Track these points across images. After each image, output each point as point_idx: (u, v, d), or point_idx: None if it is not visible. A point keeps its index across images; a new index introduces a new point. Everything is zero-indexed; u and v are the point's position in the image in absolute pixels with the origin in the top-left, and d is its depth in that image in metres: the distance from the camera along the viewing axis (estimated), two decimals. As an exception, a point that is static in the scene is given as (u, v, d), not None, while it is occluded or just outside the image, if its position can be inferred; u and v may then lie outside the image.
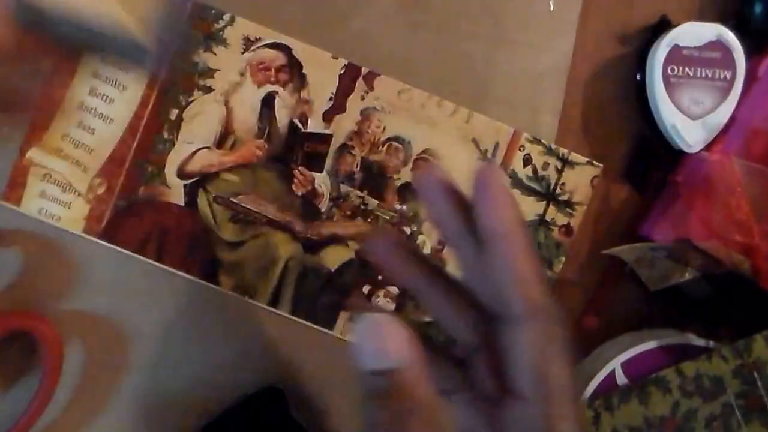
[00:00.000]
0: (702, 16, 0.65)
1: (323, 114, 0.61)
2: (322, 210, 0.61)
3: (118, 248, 0.59)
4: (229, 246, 0.60)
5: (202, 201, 0.60)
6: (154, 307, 0.62)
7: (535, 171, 0.62)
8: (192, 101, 0.60)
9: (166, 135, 0.60)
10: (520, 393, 0.40)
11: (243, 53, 0.60)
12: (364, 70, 0.61)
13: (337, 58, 0.61)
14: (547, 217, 0.62)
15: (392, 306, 0.61)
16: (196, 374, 0.63)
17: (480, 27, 0.63)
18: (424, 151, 0.61)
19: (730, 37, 0.63)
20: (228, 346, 0.63)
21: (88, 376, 0.63)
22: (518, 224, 0.41)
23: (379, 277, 0.61)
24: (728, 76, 0.63)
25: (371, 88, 0.61)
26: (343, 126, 0.61)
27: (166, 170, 0.60)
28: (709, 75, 0.63)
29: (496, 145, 0.62)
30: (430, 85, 0.62)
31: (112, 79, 0.60)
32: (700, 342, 0.62)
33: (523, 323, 0.40)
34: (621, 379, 0.60)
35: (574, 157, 0.62)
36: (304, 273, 0.61)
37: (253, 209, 0.59)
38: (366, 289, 0.61)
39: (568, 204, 0.62)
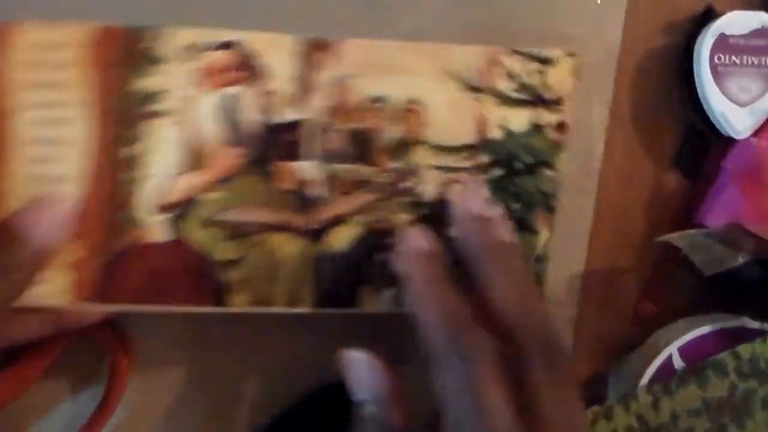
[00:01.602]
0: (747, 5, 0.66)
1: (291, 99, 0.57)
2: (315, 196, 0.57)
3: (115, 307, 0.56)
4: (230, 265, 0.57)
5: (188, 230, 0.56)
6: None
7: (519, 83, 0.59)
8: (147, 131, 0.56)
9: (131, 175, 0.56)
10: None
11: (187, 64, 0.56)
12: (321, 41, 0.57)
13: (289, 37, 0.57)
14: (540, 122, 0.59)
15: None
16: (259, 374, 0.65)
17: (530, 23, 0.64)
18: (406, 102, 0.58)
19: None
20: (286, 347, 0.65)
21: (155, 377, 0.64)
22: (494, 243, 0.51)
23: (391, 241, 0.58)
24: None
25: (335, 57, 0.57)
26: (317, 105, 0.57)
27: (141, 211, 0.56)
28: (756, 62, 0.65)
29: (475, 70, 0.58)
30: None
31: (51, 137, 0.56)
32: (754, 325, 0.63)
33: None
34: (678, 363, 0.62)
35: (553, 53, 0.59)
36: (315, 264, 0.58)
37: (245, 220, 0.55)
38: (380, 256, 0.59)
39: (556, 101, 0.59)
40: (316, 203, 0.57)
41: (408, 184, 0.58)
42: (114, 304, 0.56)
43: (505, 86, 0.58)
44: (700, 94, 0.64)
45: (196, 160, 0.56)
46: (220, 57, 0.56)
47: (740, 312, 0.65)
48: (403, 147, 0.57)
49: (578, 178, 0.66)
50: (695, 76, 0.64)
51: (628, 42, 0.65)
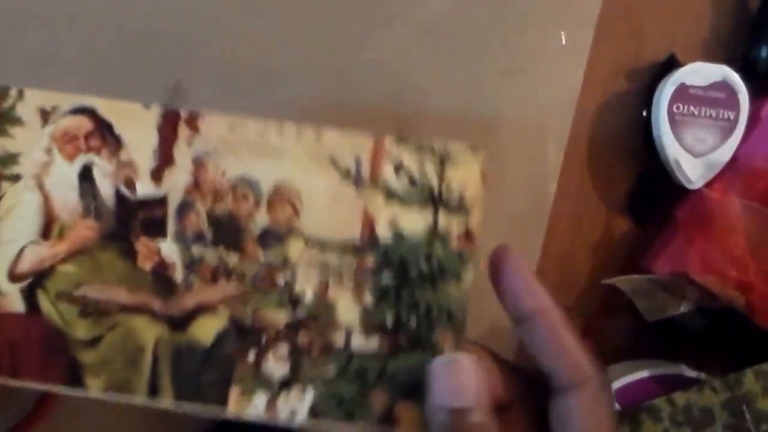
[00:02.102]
0: (709, 57, 0.69)
1: (151, 173, 0.52)
2: (178, 281, 0.53)
3: (-32, 378, 0.52)
4: (86, 345, 0.53)
5: (44, 302, 0.53)
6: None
7: (411, 178, 0.52)
8: (2, 195, 0.52)
9: (-16, 239, 0.51)
10: None
11: (43, 127, 0.51)
12: (183, 114, 0.52)
13: (149, 108, 0.51)
14: (440, 228, 0.52)
15: (287, 367, 0.53)
16: None
17: (491, 63, 0.65)
18: (276, 187, 0.53)
19: (736, 78, 0.67)
20: None
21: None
22: (548, 297, 0.46)
23: (263, 339, 0.53)
24: (732, 116, 0.67)
25: (196, 131, 0.52)
26: (177, 181, 0.52)
27: (-3, 278, 0.51)
28: (713, 114, 0.67)
29: (358, 159, 0.52)
30: (443, 111, 0.62)
31: None
32: (692, 373, 0.66)
33: (574, 392, 0.44)
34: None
35: (453, 148, 0.52)
36: (177, 355, 0.53)
37: (102, 298, 0.51)
38: (252, 355, 0.53)
39: (460, 207, 0.52)
40: (178, 288, 0.53)
41: (281, 279, 0.53)
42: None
43: (394, 181, 0.52)
44: (656, 141, 0.67)
45: (49, 229, 0.53)
46: (75, 123, 0.52)
47: (679, 360, 0.67)
48: (273, 238, 0.53)
49: (528, 216, 0.65)
50: (653, 122, 0.67)
51: (589, 84, 0.67)
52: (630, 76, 0.70)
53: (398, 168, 0.52)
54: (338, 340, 0.53)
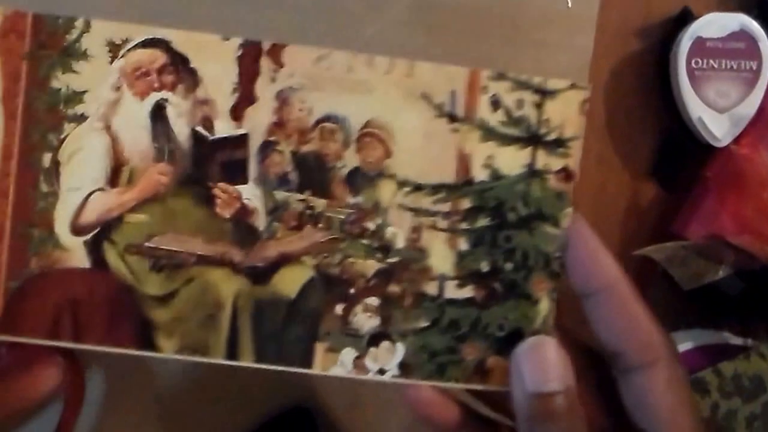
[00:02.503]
0: (723, 6, 0.65)
1: (230, 111, 0.48)
2: (260, 228, 0.49)
3: (26, 339, 0.48)
4: (158, 301, 0.49)
5: (111, 256, 0.48)
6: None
7: (508, 114, 0.48)
8: (65, 138, 0.48)
9: (44, 188, 0.48)
10: None
11: (112, 62, 0.47)
12: (265, 45, 0.48)
13: (228, 39, 0.47)
14: (538, 165, 0.49)
15: (376, 320, 0.50)
16: (220, 395, 0.62)
17: (497, 28, 0.60)
18: (366, 125, 0.49)
19: (755, 26, 0.64)
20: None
21: (109, 404, 0.61)
22: (619, 269, 0.44)
23: (352, 290, 0.49)
24: (754, 67, 0.64)
25: (280, 65, 0.48)
26: (259, 120, 0.48)
27: (57, 230, 0.48)
28: (734, 66, 0.64)
29: (453, 94, 0.48)
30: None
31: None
32: (737, 341, 0.63)
33: (647, 371, 0.43)
34: (658, 382, 0.60)
35: (553, 83, 0.48)
36: (258, 310, 0.49)
37: (176, 250, 0.46)
38: (340, 308, 0.49)
39: (560, 143, 0.49)
40: (261, 237, 0.49)
41: (371, 224, 0.49)
42: (22, 337, 0.48)
43: (490, 117, 0.48)
44: (677, 101, 0.64)
45: (117, 175, 0.48)
46: (147, 57, 0.47)
47: (721, 327, 0.65)
48: (363, 179, 0.49)
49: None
50: (672, 81, 0.64)
51: (601, 47, 0.64)
52: (642, 34, 0.67)
53: (495, 103, 0.49)
54: (431, 289, 0.50)
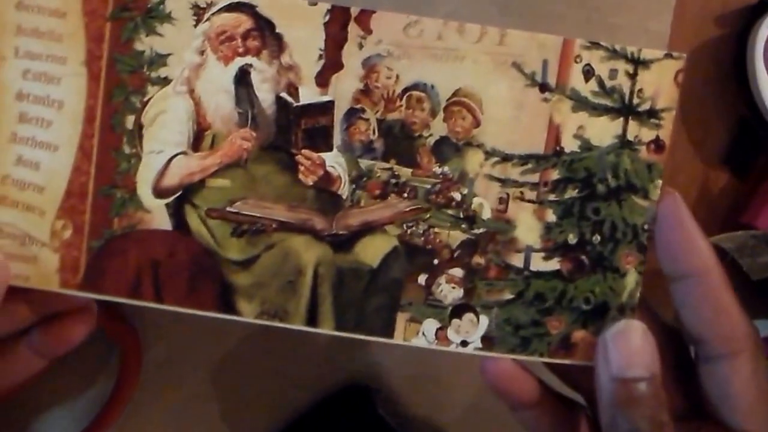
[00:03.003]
0: None
1: (315, 78, 0.47)
2: (344, 196, 0.48)
3: (107, 297, 0.48)
4: (239, 266, 0.48)
5: (193, 219, 0.47)
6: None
7: (601, 83, 0.47)
8: (148, 101, 0.47)
9: (127, 149, 0.47)
10: (737, 427, 0.42)
11: (196, 26, 0.46)
12: (354, 11, 0.46)
13: (315, 4, 0.46)
14: (629, 136, 0.47)
15: (460, 292, 0.49)
16: (278, 371, 0.62)
17: (573, 9, 0.60)
18: (454, 94, 0.47)
19: None
20: (310, 342, 0.61)
21: (166, 377, 0.62)
22: (713, 256, 0.43)
23: (435, 261, 0.48)
24: None
25: (368, 31, 0.47)
26: (345, 87, 0.47)
27: (139, 192, 0.48)
28: None
29: (545, 63, 0.47)
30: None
31: (42, 96, 0.47)
32: None
33: (730, 362, 0.42)
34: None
35: (647, 53, 0.47)
36: (340, 278, 0.48)
37: (258, 215, 0.46)
38: (423, 279, 0.49)
39: (652, 113, 0.47)
40: (344, 204, 0.48)
41: (457, 194, 0.48)
42: (104, 295, 0.48)
43: (583, 87, 0.47)
44: (753, 89, 0.62)
45: (200, 139, 0.48)
46: (232, 21, 0.46)
47: None
48: (450, 149, 0.48)
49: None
50: (748, 69, 0.62)
51: (678, 33, 0.63)
52: (721, 20, 0.65)
53: (588, 73, 0.47)
54: (516, 261, 0.49)
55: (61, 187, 0.48)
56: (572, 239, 0.48)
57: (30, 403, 0.62)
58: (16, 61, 0.47)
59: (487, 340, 0.48)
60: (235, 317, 0.49)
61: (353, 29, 0.46)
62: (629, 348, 0.43)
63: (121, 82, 0.47)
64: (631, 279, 0.47)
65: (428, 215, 0.48)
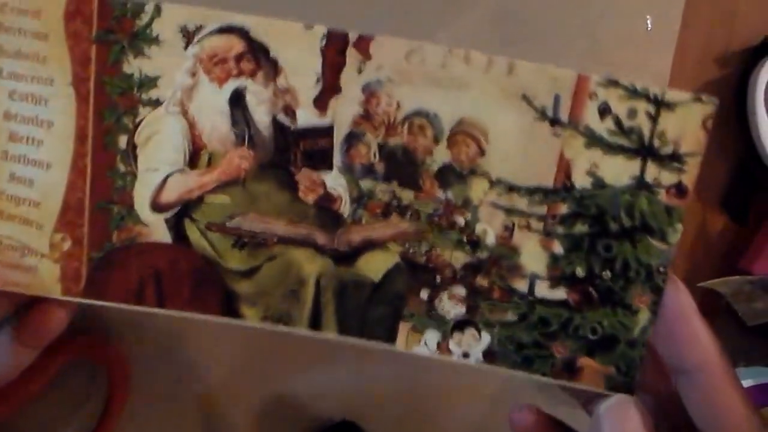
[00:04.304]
0: None
1: (314, 101, 0.45)
2: (345, 215, 0.47)
3: (111, 304, 0.48)
4: (241, 275, 0.48)
5: (193, 232, 0.47)
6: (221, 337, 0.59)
7: (618, 123, 0.44)
8: (140, 122, 0.45)
9: (122, 168, 0.46)
10: None
11: (186, 48, 0.44)
12: (352, 36, 0.44)
13: (312, 27, 0.43)
14: (648, 178, 0.45)
15: (462, 309, 0.48)
16: (264, 408, 0.62)
17: (575, 46, 0.60)
18: (458, 122, 0.45)
19: None
20: (298, 378, 0.61)
21: (153, 408, 0.62)
22: (717, 348, 0.42)
23: (438, 279, 0.47)
24: None
25: (368, 57, 0.44)
26: (344, 110, 0.45)
27: (136, 207, 0.47)
28: None
29: (557, 98, 0.44)
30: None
31: (31, 116, 0.46)
32: None
33: None
34: (716, 418, 0.61)
35: (673, 95, 0.44)
36: (342, 289, 0.48)
37: (258, 230, 0.45)
38: (425, 294, 0.48)
39: (675, 157, 0.45)
40: (345, 222, 0.47)
41: (460, 219, 0.47)
42: (108, 301, 0.48)
43: (598, 125, 0.45)
44: (752, 132, 0.62)
45: (196, 157, 0.46)
46: (224, 44, 0.44)
47: None
48: (454, 176, 0.46)
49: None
50: (748, 111, 0.63)
51: (679, 72, 0.63)
52: (722, 62, 0.65)
53: (604, 111, 0.45)
54: (521, 285, 0.48)
55: (57, 203, 0.47)
56: (580, 272, 0.47)
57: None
58: (1, 82, 0.46)
59: (490, 355, 0.48)
60: (239, 321, 0.48)
61: (352, 54, 0.44)
62: (622, 426, 0.43)
63: (111, 104, 0.45)
64: (644, 316, 0.45)
65: (431, 236, 0.47)
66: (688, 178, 0.45)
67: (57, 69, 0.45)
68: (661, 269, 0.46)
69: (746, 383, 0.61)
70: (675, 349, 0.43)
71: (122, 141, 0.46)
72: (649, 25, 0.61)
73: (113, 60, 0.45)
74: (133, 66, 0.45)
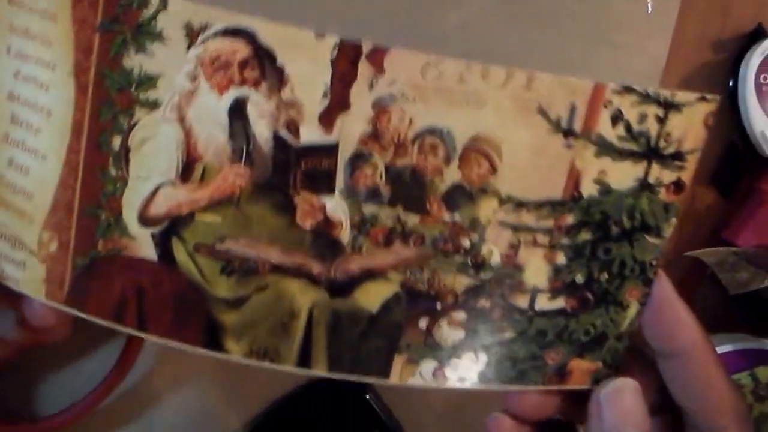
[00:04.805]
0: None
1: (319, 117, 0.42)
2: (344, 242, 0.44)
3: (91, 318, 0.45)
4: (228, 305, 0.45)
5: (180, 252, 0.44)
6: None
7: (629, 128, 0.44)
8: (135, 123, 0.43)
9: (113, 171, 0.43)
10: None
11: (189, 48, 0.41)
12: (366, 47, 0.42)
13: (323, 36, 0.41)
14: (650, 179, 0.45)
15: (461, 333, 0.46)
16: None
17: (579, 27, 0.62)
18: (472, 139, 0.43)
19: None
20: None
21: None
22: (700, 331, 0.44)
23: (438, 306, 0.45)
24: None
25: (381, 71, 0.42)
26: (352, 128, 0.43)
27: (124, 216, 0.44)
28: None
29: (572, 107, 0.43)
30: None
31: (32, 101, 0.44)
32: None
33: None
34: (696, 380, 0.62)
35: (681, 96, 0.44)
36: (336, 322, 0.45)
37: (249, 256, 0.42)
38: (424, 323, 0.46)
39: (677, 155, 0.45)
40: (343, 250, 0.44)
41: (466, 241, 0.44)
42: (87, 314, 0.45)
43: (609, 132, 0.44)
44: (742, 113, 0.66)
45: (190, 170, 0.44)
46: (228, 48, 0.42)
47: (761, 334, 0.65)
48: (463, 196, 0.44)
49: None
50: (739, 94, 0.66)
51: (675, 55, 0.66)
52: (716, 47, 0.68)
53: (616, 118, 0.44)
54: (522, 301, 0.46)
55: (48, 198, 0.44)
56: (580, 279, 0.46)
57: (39, 366, 0.63)
58: (8, 60, 0.44)
59: (485, 376, 0.47)
60: (221, 356, 0.45)
61: (364, 67, 0.42)
62: (622, 408, 0.44)
63: (109, 100, 0.42)
64: (633, 310, 0.46)
65: (433, 261, 0.45)
66: (687, 174, 0.45)
67: (60, 54, 0.43)
68: (654, 262, 0.46)
69: (727, 348, 0.64)
70: (661, 335, 0.44)
71: (116, 142, 0.43)
72: (650, 8, 0.64)
73: (115, 52, 0.42)
74: (133, 61, 0.42)
